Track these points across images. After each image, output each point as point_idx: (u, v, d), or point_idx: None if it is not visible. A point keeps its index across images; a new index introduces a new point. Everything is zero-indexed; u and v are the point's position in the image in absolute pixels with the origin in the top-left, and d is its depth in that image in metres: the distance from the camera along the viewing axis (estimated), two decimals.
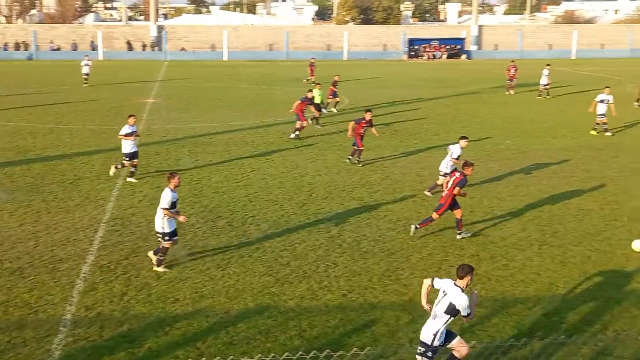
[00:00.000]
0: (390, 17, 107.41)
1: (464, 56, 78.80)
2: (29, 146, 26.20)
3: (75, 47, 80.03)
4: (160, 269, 13.67)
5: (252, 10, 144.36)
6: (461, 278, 9.50)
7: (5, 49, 78.92)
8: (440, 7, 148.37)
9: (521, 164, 23.48)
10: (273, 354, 10.11)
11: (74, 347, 10.60)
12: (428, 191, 19.63)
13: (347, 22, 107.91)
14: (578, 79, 52.31)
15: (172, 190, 13.76)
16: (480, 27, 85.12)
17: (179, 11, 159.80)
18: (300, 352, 8.67)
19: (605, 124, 28.68)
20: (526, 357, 10.36)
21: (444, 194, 15.93)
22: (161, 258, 13.74)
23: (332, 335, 11.12)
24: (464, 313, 9.34)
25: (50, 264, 14.05)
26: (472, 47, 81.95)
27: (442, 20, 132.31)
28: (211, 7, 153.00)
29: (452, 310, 9.28)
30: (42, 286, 12.90)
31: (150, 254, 14.04)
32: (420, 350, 9.46)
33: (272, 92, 45.07)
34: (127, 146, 20.80)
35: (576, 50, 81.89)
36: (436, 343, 9.34)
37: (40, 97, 41.38)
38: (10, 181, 20.86)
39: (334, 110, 35.87)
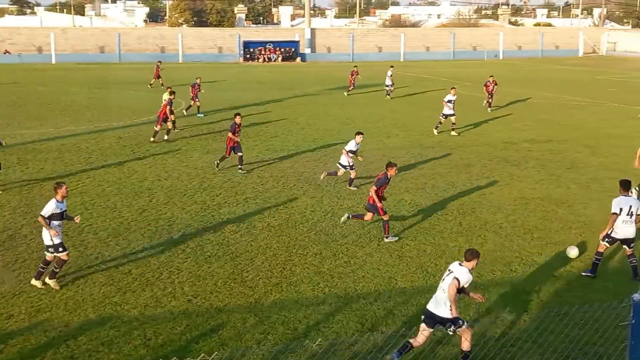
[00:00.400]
0: (224, 19, 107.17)
1: (298, 59, 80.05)
2: None
3: None
4: (53, 283, 12.86)
5: (80, 11, 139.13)
6: (468, 260, 10.29)
7: None
8: (274, 10, 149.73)
9: (357, 163, 24.12)
10: None
11: None
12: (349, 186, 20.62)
13: (181, 24, 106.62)
14: (408, 81, 54.52)
15: (58, 202, 12.93)
16: (313, 30, 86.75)
17: (0, 12, 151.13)
18: None
19: (454, 123, 29.91)
20: (370, 350, 10.66)
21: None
22: (56, 270, 12.87)
23: (178, 342, 10.95)
24: (466, 285, 10.26)
25: None
26: (307, 50, 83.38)
27: (276, 24, 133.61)
28: (36, 8, 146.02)
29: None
30: None
31: (47, 279, 13.06)
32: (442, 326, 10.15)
33: (106, 96, 43.70)
34: None
35: (404, 53, 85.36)
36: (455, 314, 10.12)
37: None
38: None
39: (185, 112, 35.37)
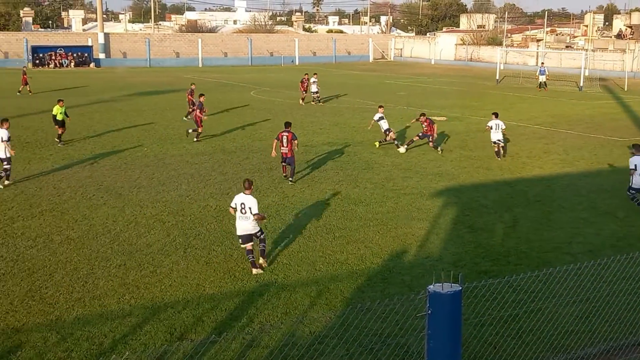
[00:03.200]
0: (9, 23, 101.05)
1: (92, 64, 77.32)
2: None
3: None
4: None
5: None
6: (248, 188, 14.56)
7: None
8: (64, 14, 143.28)
9: (160, 170, 23.79)
10: None
11: None
12: None
13: None
14: (206, 86, 54.44)
15: None
16: (106, 34, 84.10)
17: None
18: None
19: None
20: (180, 359, 10.55)
21: None
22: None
23: None
24: (255, 210, 14.33)
25: None
26: (101, 55, 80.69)
27: (67, 28, 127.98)
28: None
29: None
30: None
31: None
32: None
33: None
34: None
35: (202, 58, 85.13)
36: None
37: None
38: None
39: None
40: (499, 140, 26.47)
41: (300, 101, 43.39)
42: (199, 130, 29.83)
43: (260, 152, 27.31)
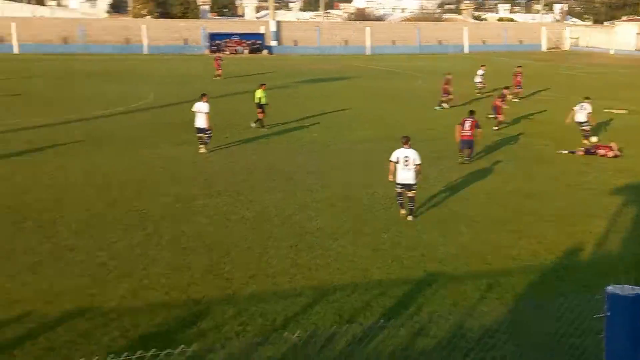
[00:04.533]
0: (189, 11, 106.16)
1: (265, 51, 79.76)
2: None
3: None
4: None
5: (40, 1, 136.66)
6: (406, 143, 17.09)
7: None
8: (238, 2, 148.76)
9: (330, 156, 24.25)
10: (97, 357, 9.76)
11: None
12: None
13: (144, 15, 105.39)
14: (372, 74, 54.77)
15: None
16: (278, 22, 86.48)
17: None
18: (125, 353, 8.38)
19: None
20: (349, 342, 10.72)
21: None
22: None
23: (157, 333, 10.89)
24: (418, 161, 16.79)
25: None
26: (273, 43, 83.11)
27: (241, 16, 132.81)
28: None
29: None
30: None
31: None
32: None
33: (72, 88, 43.12)
34: None
35: (370, 47, 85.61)
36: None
37: None
38: None
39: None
40: None
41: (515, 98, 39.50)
42: (500, 118, 30.06)
43: (427, 141, 27.03)
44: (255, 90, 30.06)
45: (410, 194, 16.99)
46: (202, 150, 24.23)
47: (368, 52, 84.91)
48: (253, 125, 29.44)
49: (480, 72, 42.79)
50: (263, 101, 29.32)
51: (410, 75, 55.24)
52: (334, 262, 14.20)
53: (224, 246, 14.96)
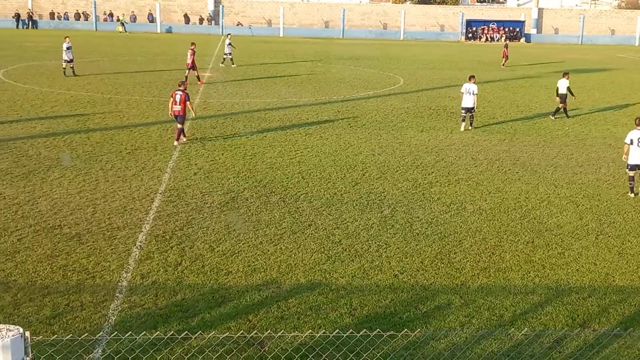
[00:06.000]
0: None
1: (522, 39, 77.44)
2: (88, 115, 26.67)
3: (134, 19, 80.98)
4: None
5: None
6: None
7: (67, 19, 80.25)
8: None
9: (579, 151, 23.07)
10: (323, 330, 10.19)
11: (130, 314, 10.80)
12: None
13: (404, 1, 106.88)
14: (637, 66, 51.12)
15: None
16: (540, 10, 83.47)
17: None
18: (350, 330, 8.67)
19: None
20: (580, 347, 10.20)
21: None
22: None
23: (382, 314, 11.11)
24: None
25: (107, 231, 14.32)
26: (532, 31, 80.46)
27: (502, 2, 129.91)
28: None
29: None
30: (99, 252, 13.16)
31: None
32: None
33: (327, 70, 45.00)
34: None
35: None
36: None
37: (99, 65, 42.04)
38: (70, 149, 21.28)
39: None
40: None
41: None
42: None
43: None
44: (558, 80, 29.58)
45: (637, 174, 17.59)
46: (463, 128, 25.99)
47: (637, 42, 79.16)
48: (553, 117, 29.05)
49: None
50: (562, 91, 28.85)
51: None
52: (572, 263, 13.54)
53: (458, 235, 14.85)
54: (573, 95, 29.50)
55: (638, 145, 17.77)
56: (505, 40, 58.91)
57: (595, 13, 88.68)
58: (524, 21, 79.95)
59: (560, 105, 29.04)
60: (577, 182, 19.21)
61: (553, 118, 28.92)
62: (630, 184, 18.12)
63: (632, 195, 17.95)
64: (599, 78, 43.43)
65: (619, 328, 10.64)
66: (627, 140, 18.09)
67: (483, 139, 24.61)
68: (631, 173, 18.06)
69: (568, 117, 29.14)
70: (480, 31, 77.89)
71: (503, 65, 49.72)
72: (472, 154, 22.40)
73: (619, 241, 14.74)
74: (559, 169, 20.66)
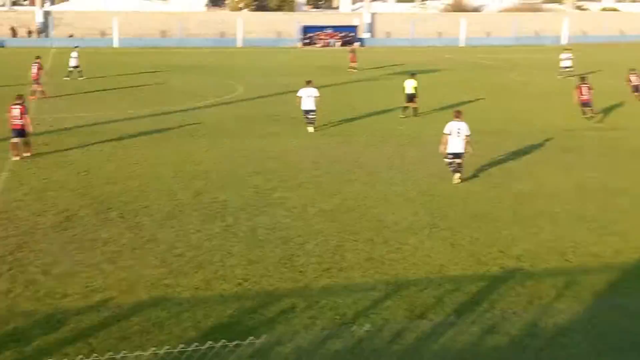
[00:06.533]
0: (285, 3, 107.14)
1: (357, 44, 79.65)
2: None
3: None
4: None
5: None
6: (458, 117, 19.51)
7: None
8: None
9: (413, 149, 24.02)
10: (167, 347, 9.99)
11: None
12: None
13: (241, 8, 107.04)
14: (466, 67, 53.93)
15: None
16: (373, 14, 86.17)
17: None
18: (195, 344, 8.58)
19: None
20: (418, 337, 10.61)
21: None
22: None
23: (228, 324, 11.07)
24: (467, 132, 19.19)
25: None
26: (366, 35, 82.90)
27: (336, 8, 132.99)
28: None
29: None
30: None
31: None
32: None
33: (166, 80, 44.30)
34: None
35: (465, 38, 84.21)
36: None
37: None
38: None
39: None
40: None
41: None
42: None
43: (516, 135, 26.46)
44: (405, 81, 31.05)
45: (458, 161, 19.41)
46: (310, 129, 27.00)
47: (462, 43, 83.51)
48: (402, 116, 30.44)
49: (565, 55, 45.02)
50: (411, 91, 30.46)
51: (502, 68, 54.01)
52: (409, 257, 14.08)
53: (300, 239, 15.05)
54: (417, 96, 30.67)
55: (458, 135, 19.18)
56: (352, 45, 60.35)
57: (424, 16, 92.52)
58: (357, 26, 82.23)
59: (407, 104, 30.47)
60: (411, 179, 19.99)
61: (402, 117, 30.27)
62: (451, 167, 19.53)
63: (458, 177, 19.38)
64: (430, 78, 45.33)
65: (453, 316, 11.17)
66: (446, 131, 19.38)
67: (323, 142, 25.09)
68: (449, 160, 19.50)
69: (416, 115, 30.43)
70: (316, 37, 79.35)
71: (353, 69, 50.72)
72: (313, 157, 22.79)
73: (451, 233, 15.48)
74: (394, 167, 21.42)
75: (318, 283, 12.74)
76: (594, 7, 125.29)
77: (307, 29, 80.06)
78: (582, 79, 29.94)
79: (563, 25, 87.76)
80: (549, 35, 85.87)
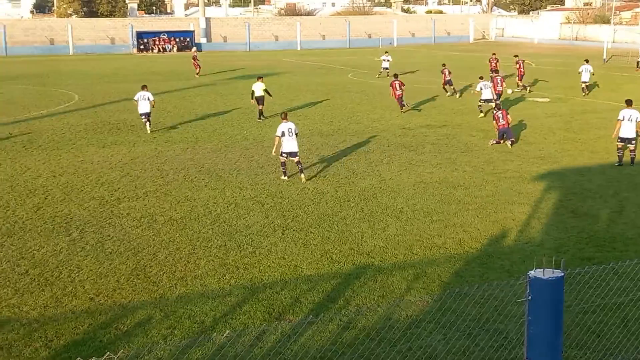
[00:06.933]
0: (116, 9, 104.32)
1: (194, 49, 78.99)
2: None
3: None
4: None
5: None
6: (285, 118, 20.47)
7: None
8: None
9: (259, 152, 24.14)
10: None
11: None
12: None
13: (70, 15, 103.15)
14: (304, 69, 54.87)
15: None
16: (208, 19, 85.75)
17: None
18: None
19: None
20: (278, 339, 10.71)
21: None
22: None
23: (82, 341, 10.67)
24: (297, 131, 20.37)
25: None
26: (202, 40, 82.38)
27: (170, 13, 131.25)
28: None
29: None
30: None
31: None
32: None
33: None
34: None
35: (300, 42, 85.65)
36: None
37: None
38: None
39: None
40: (630, 140, 21.70)
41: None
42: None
43: (357, 134, 27.29)
44: (253, 84, 31.48)
45: (296, 159, 20.24)
46: (148, 129, 27.96)
47: (298, 47, 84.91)
48: (259, 120, 31.05)
49: (384, 57, 47.93)
50: (260, 94, 31.08)
51: (340, 70, 55.40)
52: (264, 260, 14.17)
53: (151, 249, 14.77)
54: (270, 95, 31.58)
55: (289, 136, 20.05)
56: (194, 51, 59.73)
57: (259, 21, 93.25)
58: (193, 31, 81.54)
59: (260, 108, 30.93)
60: (260, 183, 20.11)
61: (261, 119, 30.86)
62: (283, 168, 20.39)
63: (285, 178, 20.32)
64: (271, 82, 45.76)
65: (311, 315, 11.37)
66: (279, 133, 20.20)
67: (166, 150, 24.70)
68: (282, 159, 20.32)
69: (265, 118, 30.89)
70: (152, 42, 77.90)
71: (197, 74, 50.16)
72: (158, 165, 22.39)
73: (303, 234, 15.73)
74: (242, 171, 21.46)
75: (173, 292, 12.56)
76: (420, 9, 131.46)
77: (142, 35, 78.43)
78: (395, 76, 33.55)
79: (393, 28, 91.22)
80: (381, 37, 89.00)
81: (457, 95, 37.69)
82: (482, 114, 31.00)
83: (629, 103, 22.21)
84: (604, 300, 10.89)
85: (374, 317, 11.44)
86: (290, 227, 16.23)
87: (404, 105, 32.28)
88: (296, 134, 20.37)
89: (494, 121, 24.79)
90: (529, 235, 15.47)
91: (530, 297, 7.27)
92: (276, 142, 20.40)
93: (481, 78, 32.37)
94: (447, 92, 38.01)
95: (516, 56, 42.51)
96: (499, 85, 32.24)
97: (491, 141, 24.90)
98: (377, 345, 10.38)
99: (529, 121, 29.51)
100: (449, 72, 38.04)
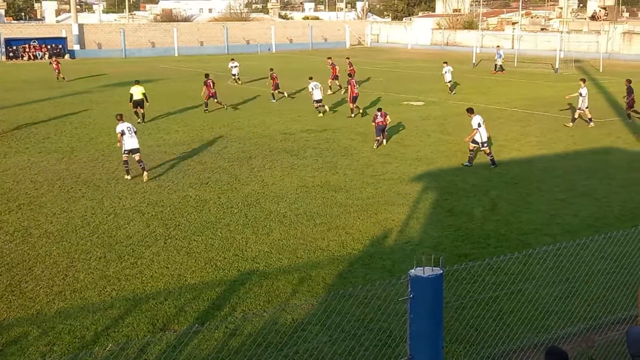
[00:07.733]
0: None
1: (67, 56, 76.47)
2: None
3: None
4: None
5: None
6: (121, 119, 21.37)
7: None
8: (36, 5, 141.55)
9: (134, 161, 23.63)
10: None
11: None
12: None
13: None
14: (183, 76, 54.22)
15: None
16: (81, 25, 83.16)
17: None
18: None
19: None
20: (163, 350, 10.55)
21: None
22: None
23: None
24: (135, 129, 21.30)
25: None
26: (75, 47, 79.81)
27: (40, 19, 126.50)
28: None
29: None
30: None
31: None
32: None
33: None
34: None
35: (178, 47, 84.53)
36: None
37: None
38: None
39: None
40: (483, 144, 22.59)
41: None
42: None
43: (239, 141, 27.22)
44: (131, 88, 31.82)
45: (137, 157, 21.05)
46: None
47: (176, 53, 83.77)
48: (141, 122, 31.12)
49: (231, 64, 49.18)
50: (138, 97, 31.54)
51: (218, 76, 55.06)
52: (146, 270, 13.91)
53: (27, 263, 14.21)
54: (147, 101, 31.87)
55: (129, 133, 21.10)
56: (52, 58, 58.18)
57: (134, 27, 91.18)
58: (65, 37, 78.87)
59: (141, 112, 31.44)
60: (140, 192, 19.72)
61: (142, 122, 31.16)
62: (125, 166, 21.23)
63: (129, 177, 21.10)
64: (147, 89, 44.93)
65: (197, 324, 11.26)
66: (119, 131, 21.28)
67: (40, 160, 23.80)
68: (125, 157, 21.18)
69: (144, 122, 31.36)
70: (21, 50, 74.79)
71: (63, 79, 49.28)
72: (31, 176, 21.55)
73: (186, 242, 15.55)
74: (120, 181, 20.97)
75: (52, 308, 12.13)
76: (298, 16, 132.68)
77: (10, 42, 75.14)
78: (207, 75, 35.69)
79: (271, 34, 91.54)
80: (260, 43, 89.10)
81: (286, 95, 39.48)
82: (320, 114, 33.05)
83: (472, 111, 23.33)
84: (480, 295, 11.34)
85: (260, 323, 11.46)
86: (173, 235, 16.00)
87: (219, 103, 34.82)
88: (135, 132, 21.32)
89: (373, 122, 25.88)
90: (409, 234, 15.92)
91: (412, 295, 7.50)
92: (119, 139, 21.39)
93: (310, 79, 34.13)
94: (274, 98, 39.14)
95: (347, 58, 47.29)
96: (356, 87, 33.10)
97: (375, 144, 25.50)
98: (264, 351, 10.39)
99: (405, 124, 30.33)
100: (277, 77, 39.62)
